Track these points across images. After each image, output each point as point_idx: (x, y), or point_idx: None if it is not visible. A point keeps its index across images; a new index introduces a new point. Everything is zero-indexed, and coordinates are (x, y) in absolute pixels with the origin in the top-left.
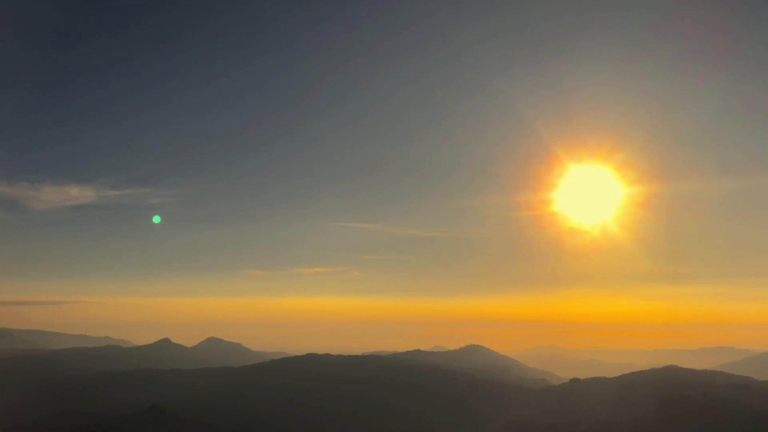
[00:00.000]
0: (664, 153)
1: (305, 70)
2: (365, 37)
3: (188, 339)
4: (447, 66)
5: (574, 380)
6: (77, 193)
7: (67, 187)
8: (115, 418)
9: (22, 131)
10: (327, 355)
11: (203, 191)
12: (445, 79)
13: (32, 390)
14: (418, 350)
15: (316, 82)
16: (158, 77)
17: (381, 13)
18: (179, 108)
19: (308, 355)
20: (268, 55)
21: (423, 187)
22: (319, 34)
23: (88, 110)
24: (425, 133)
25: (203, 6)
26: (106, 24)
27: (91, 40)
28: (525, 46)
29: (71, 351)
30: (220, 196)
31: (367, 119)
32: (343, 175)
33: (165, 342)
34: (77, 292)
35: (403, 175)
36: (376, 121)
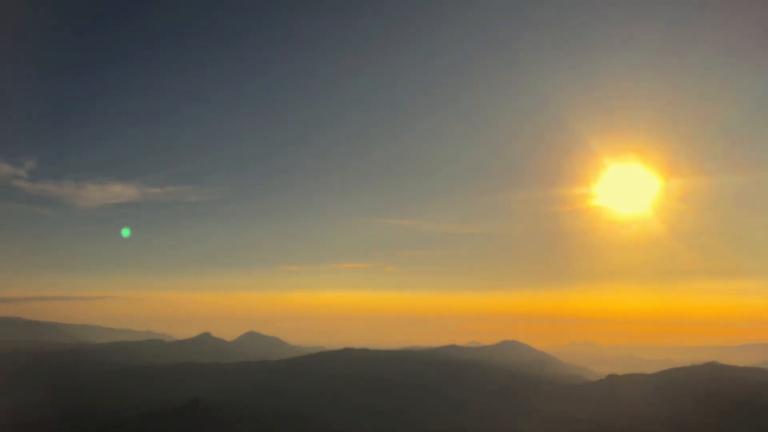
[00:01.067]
0: (705, 146)
1: (339, 67)
2: (400, 35)
3: (228, 333)
4: (483, 61)
5: (612, 376)
6: (120, 191)
7: (110, 185)
8: (158, 410)
9: (67, 132)
10: (363, 350)
11: (242, 188)
12: (481, 75)
13: (77, 383)
14: (454, 345)
15: (352, 78)
16: (198, 77)
17: (420, 10)
18: (219, 106)
19: (345, 349)
20: (304, 52)
21: (458, 182)
22: (354, 30)
23: (131, 110)
24: (461, 129)
25: (243, 5)
26: (148, 26)
27: (135, 41)
28: (561, 39)
29: (115, 345)
30: (257, 193)
31: (402, 115)
32: (378, 171)
33: (205, 336)
34: (121, 287)
35: (438, 171)
36: (412, 117)
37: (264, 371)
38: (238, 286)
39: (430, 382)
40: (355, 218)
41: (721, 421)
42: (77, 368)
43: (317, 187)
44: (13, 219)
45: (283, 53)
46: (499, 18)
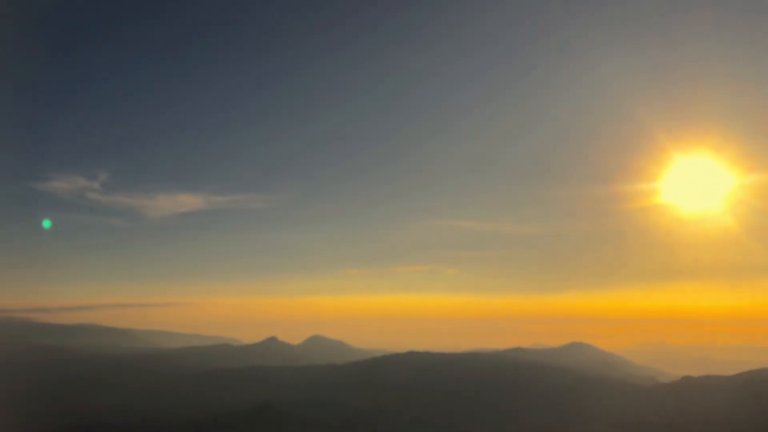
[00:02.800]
0: None
1: (395, 70)
2: (465, 35)
3: (293, 337)
4: (540, 53)
5: (686, 378)
6: (188, 201)
7: (178, 195)
8: (229, 413)
9: (137, 145)
10: (427, 353)
11: (303, 194)
12: (539, 67)
13: (152, 387)
14: (519, 348)
15: (409, 81)
16: (260, 87)
17: (490, 8)
18: (280, 115)
19: (408, 352)
20: (368, 57)
21: (520, 181)
22: (424, 33)
23: (196, 123)
24: (521, 125)
25: (304, 11)
26: (212, 39)
27: (201, 58)
28: (625, 28)
29: (186, 350)
30: (318, 198)
31: (460, 115)
32: (439, 172)
33: (272, 340)
34: (191, 293)
35: (500, 170)
36: (470, 116)
37: (330, 374)
38: (301, 291)
39: (495, 385)
40: (416, 220)
41: None
42: (151, 373)
43: (378, 191)
44: (88, 230)
45: (339, 59)
46: (562, 15)
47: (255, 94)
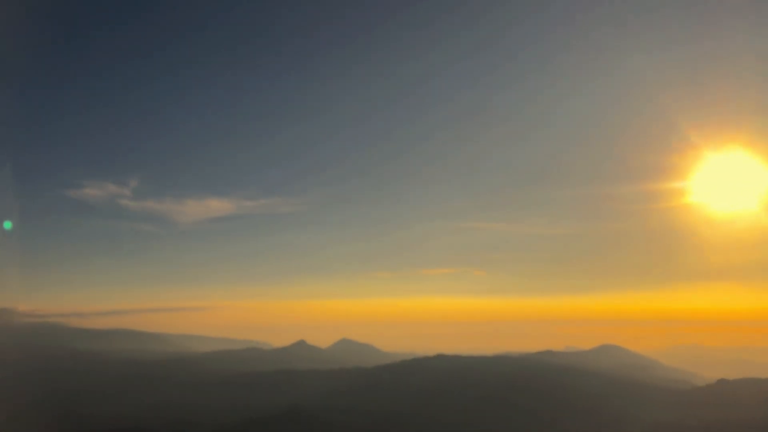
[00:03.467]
0: None
1: (421, 70)
2: (487, 31)
3: (322, 340)
4: (572, 53)
5: (722, 381)
6: (217, 206)
7: (207, 200)
8: (259, 417)
9: (167, 152)
10: (456, 356)
11: (331, 198)
12: (569, 66)
13: (182, 391)
14: (550, 350)
15: (433, 80)
16: (288, 92)
17: (510, 2)
18: (306, 118)
19: (437, 356)
20: (383, 52)
21: (547, 182)
22: (442, 29)
23: (224, 128)
24: (547, 124)
25: (331, 16)
26: (243, 45)
27: (222, 62)
28: (655, 22)
29: (217, 353)
30: (346, 201)
31: (487, 115)
32: (465, 174)
33: (301, 343)
34: (221, 297)
35: (526, 171)
36: (499, 116)
37: (360, 377)
38: (330, 294)
39: (526, 388)
40: (443, 223)
41: None
42: (183, 377)
43: (405, 194)
44: (120, 236)
45: (355, 55)
46: (587, 6)
47: (283, 99)
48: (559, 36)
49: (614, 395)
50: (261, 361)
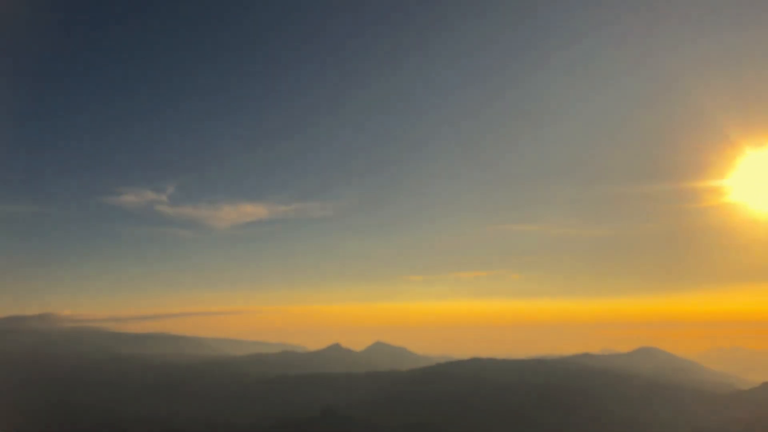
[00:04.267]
0: None
1: (460, 73)
2: (518, 28)
3: (357, 343)
4: (609, 50)
5: (766, 384)
6: (251, 210)
7: (242, 205)
8: (294, 419)
9: (202, 158)
10: (491, 360)
11: (364, 201)
12: (604, 64)
13: (219, 394)
14: (587, 353)
15: (471, 84)
16: (321, 97)
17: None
18: (338, 123)
19: (472, 359)
20: (412, 57)
21: (582, 183)
22: (473, 34)
23: (257, 134)
24: (582, 124)
25: (367, 20)
26: (278, 53)
27: (255, 69)
28: (693, 18)
29: (252, 357)
30: (379, 205)
31: (521, 112)
32: (499, 176)
33: (335, 347)
34: (256, 301)
35: (561, 172)
36: (532, 114)
37: (394, 381)
38: (364, 297)
39: (563, 392)
40: (477, 226)
41: None
42: (219, 380)
43: (438, 197)
44: (158, 241)
45: (391, 63)
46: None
47: (315, 105)
48: (594, 31)
49: (654, 399)
50: (296, 364)
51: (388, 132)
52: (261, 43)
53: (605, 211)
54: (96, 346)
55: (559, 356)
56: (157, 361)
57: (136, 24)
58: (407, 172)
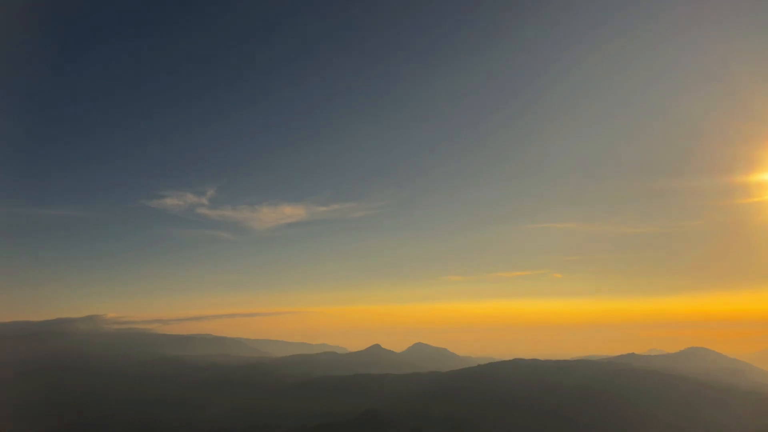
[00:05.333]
0: None
1: (495, 70)
2: (559, 28)
3: (397, 345)
4: (654, 46)
5: None
6: (290, 212)
7: (281, 207)
8: (336, 421)
9: (241, 161)
10: (534, 361)
11: (402, 202)
12: (646, 56)
13: (260, 394)
14: (633, 354)
15: (509, 82)
16: (359, 98)
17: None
18: (377, 125)
19: (515, 360)
20: (451, 54)
21: (625, 178)
22: (509, 30)
23: (295, 135)
24: (626, 119)
25: (399, 19)
26: (316, 56)
27: (295, 72)
28: (741, 11)
29: (293, 358)
30: (417, 206)
31: (564, 116)
32: (540, 174)
33: (376, 348)
34: (296, 302)
35: (605, 169)
36: (574, 109)
37: (435, 382)
38: (403, 298)
39: (608, 393)
40: (518, 225)
41: None
42: (261, 380)
43: (477, 197)
44: (199, 244)
45: (440, 70)
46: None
47: (351, 106)
48: (641, 29)
49: (707, 400)
50: (337, 365)
51: (425, 132)
52: (302, 50)
53: (650, 208)
54: (141, 347)
55: (603, 357)
56: (201, 363)
57: (179, 33)
58: (445, 172)
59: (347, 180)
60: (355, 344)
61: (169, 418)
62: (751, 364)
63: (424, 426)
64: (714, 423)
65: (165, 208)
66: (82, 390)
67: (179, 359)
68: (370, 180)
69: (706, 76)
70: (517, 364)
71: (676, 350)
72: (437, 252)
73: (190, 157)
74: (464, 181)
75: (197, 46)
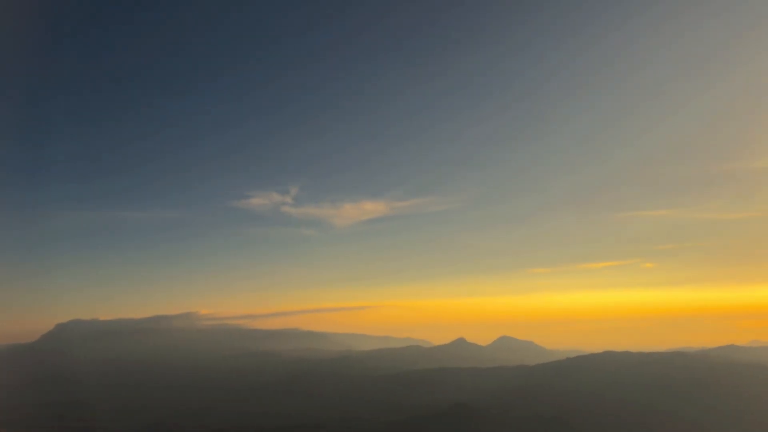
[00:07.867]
0: None
1: (573, 62)
2: (644, 18)
3: (481, 338)
4: (736, 22)
5: None
6: (371, 208)
7: (362, 203)
8: (423, 415)
9: (322, 160)
10: (626, 353)
11: (483, 194)
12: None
13: (347, 388)
14: (732, 345)
15: (587, 70)
16: (434, 92)
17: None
18: (453, 117)
19: (605, 352)
20: (518, 46)
21: (717, 161)
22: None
23: (374, 131)
24: (717, 99)
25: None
26: (393, 52)
27: (370, 69)
28: None
29: (379, 352)
30: (499, 197)
31: (648, 99)
32: (626, 160)
33: (461, 341)
34: (380, 296)
35: (693, 150)
36: (661, 99)
37: (523, 375)
38: (486, 292)
39: (705, 387)
40: (605, 214)
41: None
42: (347, 374)
43: (559, 186)
44: (285, 241)
45: (511, 61)
46: None
47: (428, 100)
48: (723, 13)
49: None
50: (422, 358)
51: (501, 123)
52: (377, 45)
53: (746, 191)
54: (232, 342)
55: (701, 349)
56: (289, 357)
57: (271, 39)
58: (528, 162)
59: (425, 174)
60: (439, 338)
61: (256, 412)
62: None
63: (514, 419)
64: None
65: (251, 207)
66: (179, 383)
67: (269, 353)
68: (448, 173)
69: None
70: (607, 357)
71: None
72: (520, 244)
73: (275, 158)
74: (546, 171)
75: (286, 47)
